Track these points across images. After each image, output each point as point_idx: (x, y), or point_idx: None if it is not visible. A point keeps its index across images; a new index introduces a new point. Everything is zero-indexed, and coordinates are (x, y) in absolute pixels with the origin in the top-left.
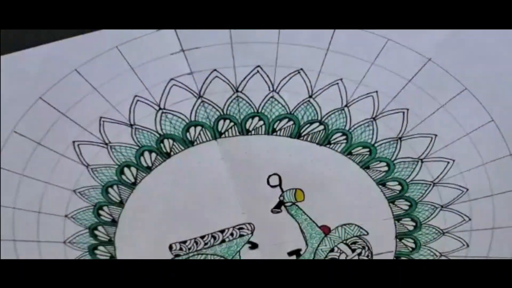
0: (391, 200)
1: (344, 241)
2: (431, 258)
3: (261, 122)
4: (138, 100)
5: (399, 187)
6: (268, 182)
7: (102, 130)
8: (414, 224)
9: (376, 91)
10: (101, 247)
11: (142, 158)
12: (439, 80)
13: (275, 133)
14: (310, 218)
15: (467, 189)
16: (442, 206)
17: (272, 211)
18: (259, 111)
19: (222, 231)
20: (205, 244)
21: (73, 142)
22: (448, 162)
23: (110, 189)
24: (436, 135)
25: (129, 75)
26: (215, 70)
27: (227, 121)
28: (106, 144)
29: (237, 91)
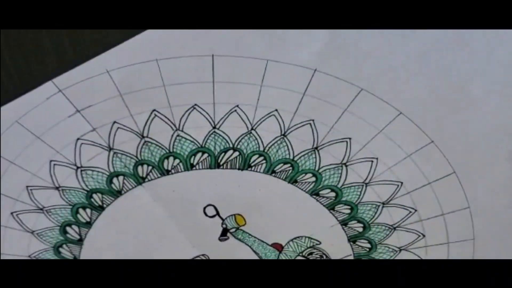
0: (330, 207)
1: (300, 254)
2: (391, 254)
3: (177, 160)
4: (54, 164)
5: (333, 194)
6: (205, 214)
7: (32, 196)
8: (362, 225)
9: (276, 109)
10: None
11: (78, 215)
12: (333, 87)
13: (194, 168)
14: (259, 239)
15: (402, 182)
16: (383, 203)
17: (220, 240)
18: (171, 150)
19: None
20: None
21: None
22: (372, 161)
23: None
24: (350, 138)
25: (38, 144)
26: (115, 122)
27: (145, 165)
28: (42, 209)
29: (143, 136)
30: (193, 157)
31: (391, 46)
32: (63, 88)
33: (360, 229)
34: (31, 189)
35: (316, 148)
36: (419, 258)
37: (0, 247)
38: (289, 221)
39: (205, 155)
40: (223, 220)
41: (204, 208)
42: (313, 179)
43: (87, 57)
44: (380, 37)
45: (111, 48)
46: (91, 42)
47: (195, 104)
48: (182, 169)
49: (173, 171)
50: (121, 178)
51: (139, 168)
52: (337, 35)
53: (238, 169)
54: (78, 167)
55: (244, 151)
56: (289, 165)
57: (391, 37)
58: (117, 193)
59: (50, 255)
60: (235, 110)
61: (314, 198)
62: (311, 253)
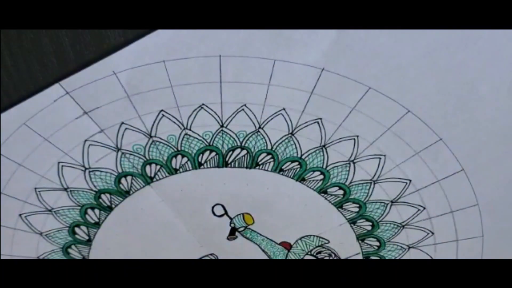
0: (339, 205)
1: (309, 253)
2: (400, 252)
3: (185, 159)
4: (63, 166)
5: (341, 192)
6: (213, 213)
7: (40, 198)
8: (370, 224)
9: (284, 108)
10: None
11: (87, 216)
12: (340, 86)
13: (202, 167)
14: (267, 238)
15: (410, 180)
16: (391, 202)
17: (228, 239)
18: (179, 149)
19: None
20: None
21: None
22: (380, 159)
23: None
24: (358, 136)
25: (45, 146)
26: (123, 123)
27: (153, 165)
28: (50, 211)
29: (150, 136)
30: (201, 155)
31: (399, 44)
32: (71, 90)
33: (369, 228)
34: (39, 191)
35: (324, 146)
36: (428, 256)
37: (0, 248)
38: (297, 220)
39: (213, 153)
40: (231, 219)
41: (213, 207)
42: (321, 177)
43: (94, 59)
44: (387, 36)
45: (118, 50)
46: (94, 43)
47: (203, 104)
48: (190, 168)
49: (181, 169)
50: (129, 178)
51: (147, 167)
52: (345, 34)
53: (246, 167)
54: (86, 168)
55: (252, 149)
56: (297, 163)
57: (398, 35)
58: (126, 193)
59: (59, 256)
60: (243, 109)
61: (322, 196)
62: (319, 252)
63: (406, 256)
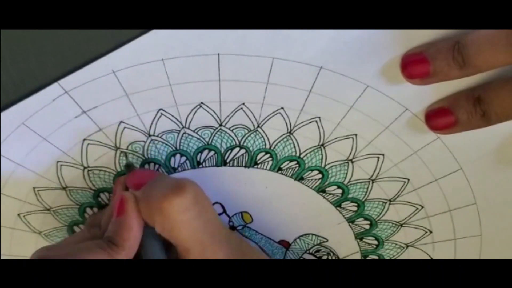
0: (337, 204)
1: (308, 251)
2: (399, 250)
3: (184, 158)
4: (61, 165)
5: (339, 191)
6: None
7: (39, 197)
8: (369, 222)
9: (282, 107)
10: None
11: (86, 215)
12: (338, 84)
13: (200, 165)
14: (266, 236)
15: (408, 179)
16: (390, 200)
17: None
18: (178, 148)
19: None
20: None
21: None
22: (378, 158)
23: None
24: (356, 135)
25: (44, 145)
26: (121, 122)
27: (152, 164)
28: (49, 210)
29: (149, 135)
30: (199, 154)
31: (396, 42)
32: (69, 89)
33: (367, 226)
34: (38, 190)
35: (322, 145)
36: (426, 255)
37: (0, 248)
38: (295, 219)
39: (212, 152)
40: (230, 217)
41: None
42: (320, 176)
43: (92, 58)
44: (384, 34)
45: (116, 49)
46: (94, 43)
47: (201, 103)
48: (189, 167)
49: (179, 168)
50: None
51: (146, 167)
52: (342, 32)
53: (245, 166)
54: (85, 167)
55: (251, 148)
56: (295, 162)
57: (396, 34)
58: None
59: None
60: (241, 108)
61: (321, 195)
62: (318, 251)
63: (404, 255)
